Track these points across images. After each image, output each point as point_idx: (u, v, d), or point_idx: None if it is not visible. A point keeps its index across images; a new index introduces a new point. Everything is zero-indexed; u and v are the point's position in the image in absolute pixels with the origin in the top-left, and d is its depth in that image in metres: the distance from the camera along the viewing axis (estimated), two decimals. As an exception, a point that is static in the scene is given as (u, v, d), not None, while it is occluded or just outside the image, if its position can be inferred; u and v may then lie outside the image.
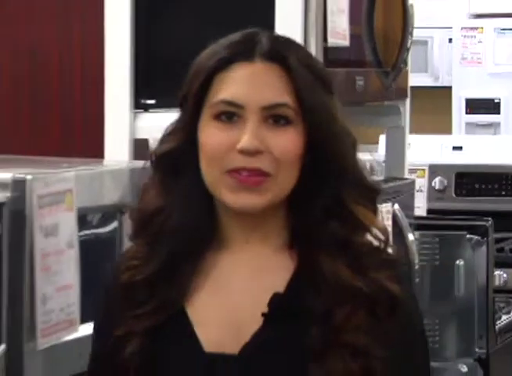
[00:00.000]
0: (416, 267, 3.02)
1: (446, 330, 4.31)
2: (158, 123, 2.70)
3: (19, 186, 2.22)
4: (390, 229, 3.04)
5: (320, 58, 2.86)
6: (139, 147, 3.20)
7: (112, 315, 1.69)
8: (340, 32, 3.06)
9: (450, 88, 7.01)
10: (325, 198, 1.63)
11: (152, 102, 3.17)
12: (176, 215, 1.66)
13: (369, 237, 1.67)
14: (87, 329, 2.19)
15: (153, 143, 2.15)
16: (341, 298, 1.58)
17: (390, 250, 1.71)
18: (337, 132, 1.63)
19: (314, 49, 2.94)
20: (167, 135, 1.70)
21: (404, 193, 3.38)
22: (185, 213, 1.66)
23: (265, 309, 1.60)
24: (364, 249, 1.63)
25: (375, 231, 1.66)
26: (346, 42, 3.06)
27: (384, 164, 3.70)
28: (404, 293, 1.64)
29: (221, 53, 1.63)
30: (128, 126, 3.16)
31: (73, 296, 2.34)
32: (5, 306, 2.25)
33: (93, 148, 3.18)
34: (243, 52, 1.62)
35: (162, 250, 1.66)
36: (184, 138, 1.65)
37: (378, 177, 3.68)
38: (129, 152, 3.16)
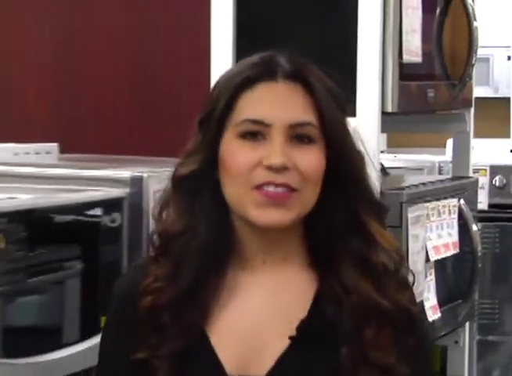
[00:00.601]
0: (479, 254, 2.95)
1: (505, 309, 4.43)
2: None
3: (136, 182, 2.25)
4: (455, 221, 3.02)
5: (396, 73, 2.83)
6: None
7: (129, 338, 1.58)
8: (413, 50, 2.97)
9: (508, 98, 7.00)
10: (344, 214, 1.57)
11: None
12: (199, 235, 1.57)
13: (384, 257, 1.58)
14: None
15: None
16: (368, 317, 1.52)
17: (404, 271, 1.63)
18: (352, 150, 1.58)
19: (391, 65, 2.86)
20: (186, 158, 1.59)
21: (468, 190, 3.32)
22: (208, 233, 1.57)
23: (289, 331, 1.53)
24: (382, 268, 1.56)
25: (391, 251, 1.58)
26: (419, 59, 2.99)
27: (451, 165, 3.66)
28: (420, 313, 1.63)
29: (244, 73, 1.56)
30: None
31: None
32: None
33: None
34: (266, 73, 1.55)
35: (186, 271, 1.57)
36: (205, 159, 1.57)
37: (446, 176, 3.76)
38: None
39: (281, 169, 1.49)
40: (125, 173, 2.31)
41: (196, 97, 3.08)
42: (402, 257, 1.62)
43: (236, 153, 1.52)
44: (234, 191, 1.53)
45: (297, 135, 1.52)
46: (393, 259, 1.57)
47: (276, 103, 1.53)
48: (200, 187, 1.58)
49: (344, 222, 1.56)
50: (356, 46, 2.87)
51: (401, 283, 1.59)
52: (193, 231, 1.56)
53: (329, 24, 2.95)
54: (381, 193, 1.83)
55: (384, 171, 3.03)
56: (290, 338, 1.51)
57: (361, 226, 1.56)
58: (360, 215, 1.56)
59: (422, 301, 2.55)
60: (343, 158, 1.55)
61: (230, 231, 1.59)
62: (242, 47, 2.95)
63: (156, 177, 2.32)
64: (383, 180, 2.74)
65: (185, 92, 3.57)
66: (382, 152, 3.72)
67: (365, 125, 2.78)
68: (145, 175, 2.31)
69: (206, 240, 1.56)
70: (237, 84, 1.54)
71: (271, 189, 1.50)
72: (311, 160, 1.52)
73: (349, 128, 1.59)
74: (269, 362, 1.53)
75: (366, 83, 2.90)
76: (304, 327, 1.52)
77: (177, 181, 1.59)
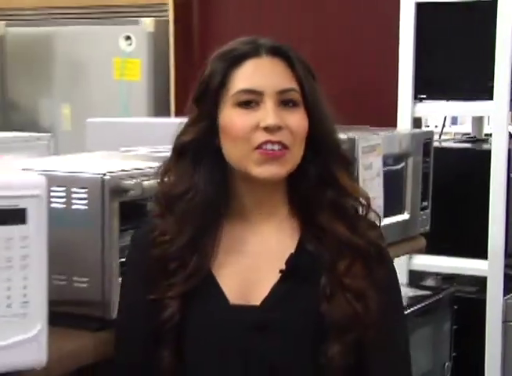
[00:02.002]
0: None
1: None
2: (427, 109, 3.57)
3: (351, 142, 2.38)
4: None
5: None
6: (416, 122, 3.58)
7: (144, 281, 1.63)
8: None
9: None
10: (319, 169, 1.60)
11: (423, 96, 3.51)
12: (200, 194, 1.59)
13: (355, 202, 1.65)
14: (387, 220, 2.57)
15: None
16: (342, 252, 1.57)
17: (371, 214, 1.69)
18: (325, 112, 1.60)
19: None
20: (188, 127, 1.63)
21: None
22: (208, 192, 1.60)
23: (279, 267, 1.58)
24: (353, 212, 1.62)
25: (359, 198, 1.64)
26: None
27: None
28: (387, 249, 1.67)
29: (232, 53, 1.60)
30: (410, 110, 3.50)
31: (380, 202, 2.52)
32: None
33: (390, 123, 3.40)
34: (251, 51, 1.58)
35: (190, 225, 1.59)
36: (203, 128, 1.60)
37: None
38: (410, 125, 3.47)
39: (276, 129, 1.54)
40: (343, 135, 1.97)
41: (382, 91, 3.77)
42: (369, 203, 1.66)
43: (235, 120, 1.56)
44: (237, 152, 1.57)
45: (284, 101, 1.57)
46: (362, 204, 1.64)
47: (264, 74, 1.57)
48: (200, 153, 1.61)
49: (319, 176, 1.60)
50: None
51: (370, 223, 1.64)
52: (195, 191, 1.60)
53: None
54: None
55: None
56: (281, 271, 1.58)
57: (333, 179, 1.60)
58: (332, 170, 1.60)
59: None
60: (318, 119, 1.59)
61: (228, 189, 1.63)
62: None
63: (363, 138, 2.47)
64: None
65: (379, 85, 3.91)
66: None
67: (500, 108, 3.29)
68: (356, 136, 2.43)
69: (207, 198, 1.60)
70: (228, 63, 1.59)
71: (269, 147, 1.55)
72: (298, 120, 1.57)
73: (321, 93, 1.63)
74: (264, 292, 1.58)
75: (502, 72, 3.28)
76: (291, 262, 1.58)
77: (179, 148, 1.63)
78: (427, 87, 3.51)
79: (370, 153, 2.50)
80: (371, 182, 2.49)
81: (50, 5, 4.66)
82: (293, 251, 1.61)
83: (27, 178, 1.56)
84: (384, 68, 3.78)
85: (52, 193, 1.72)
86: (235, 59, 1.59)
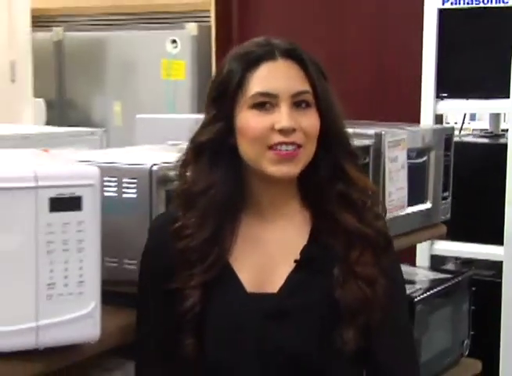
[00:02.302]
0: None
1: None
2: (448, 107, 3.56)
3: (378, 136, 2.40)
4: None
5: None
6: (438, 119, 3.59)
7: (164, 272, 1.60)
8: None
9: None
10: (329, 164, 1.57)
11: (445, 95, 3.53)
12: (219, 192, 1.56)
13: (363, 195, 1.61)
14: (411, 209, 2.59)
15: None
16: (353, 243, 1.54)
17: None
18: (337, 112, 1.57)
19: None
20: (204, 128, 1.59)
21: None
22: (226, 190, 1.57)
23: (294, 257, 1.56)
24: (361, 204, 1.58)
25: (367, 191, 1.62)
26: None
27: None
28: (391, 236, 1.64)
29: (246, 58, 1.55)
30: (432, 107, 3.51)
31: (405, 192, 2.50)
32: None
33: (414, 119, 3.40)
34: (266, 54, 1.54)
35: (210, 221, 1.56)
36: (220, 129, 1.56)
37: None
38: (432, 122, 3.49)
39: (290, 131, 1.50)
40: (371, 130, 2.40)
41: (407, 90, 3.80)
42: (377, 195, 1.65)
43: (251, 122, 1.52)
44: (252, 152, 1.53)
45: (297, 102, 1.53)
46: (369, 197, 1.60)
47: (279, 78, 1.52)
48: (217, 152, 1.57)
49: (329, 170, 1.56)
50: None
51: (376, 214, 1.60)
52: (214, 189, 1.56)
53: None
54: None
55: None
56: (295, 261, 1.55)
57: (343, 173, 1.57)
58: (342, 164, 1.57)
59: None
60: (330, 118, 1.55)
61: (244, 186, 1.59)
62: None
63: (389, 133, 2.43)
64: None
65: (403, 84, 3.98)
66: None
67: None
68: (383, 132, 2.41)
69: (225, 196, 1.56)
70: (244, 65, 1.53)
71: (283, 148, 1.51)
72: (311, 120, 1.53)
73: (333, 93, 1.59)
74: (280, 281, 1.55)
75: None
76: (305, 252, 1.56)
77: (197, 147, 1.59)
78: (448, 86, 3.52)
79: (396, 147, 2.46)
80: (396, 173, 2.46)
81: (103, 12, 4.74)
82: (305, 242, 1.59)
83: (82, 169, 1.56)
84: (408, 69, 3.80)
85: (104, 183, 1.72)
86: (251, 62, 1.55)
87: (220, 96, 1.57)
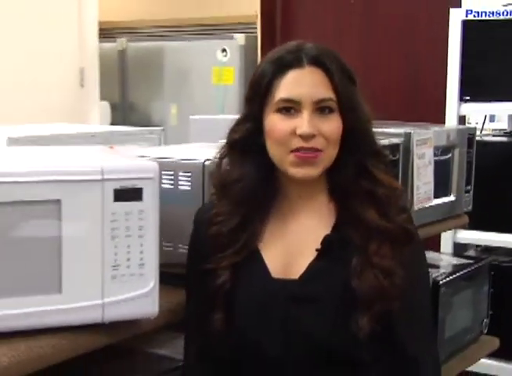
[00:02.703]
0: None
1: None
2: (470, 109, 3.53)
3: (407, 135, 2.36)
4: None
5: None
6: (461, 120, 3.54)
7: (201, 254, 1.60)
8: None
9: None
10: (355, 163, 1.52)
11: (468, 98, 3.49)
12: (248, 184, 1.55)
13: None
14: (436, 201, 2.55)
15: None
16: (371, 235, 1.49)
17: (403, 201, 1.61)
18: (361, 115, 1.52)
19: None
20: (237, 126, 1.57)
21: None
22: (255, 183, 1.55)
23: (316, 246, 1.52)
24: (385, 199, 1.52)
25: (391, 187, 1.55)
26: None
27: None
28: (415, 230, 1.57)
29: (277, 63, 1.51)
30: (456, 109, 3.48)
31: (431, 186, 2.46)
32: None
33: (439, 120, 3.37)
34: (294, 61, 1.49)
35: (239, 210, 1.55)
36: (251, 128, 1.54)
37: None
38: (456, 122, 3.45)
39: (310, 136, 1.46)
40: (401, 130, 2.36)
41: (433, 93, 3.77)
42: (401, 191, 1.58)
43: (275, 125, 1.49)
44: (276, 153, 1.51)
45: (320, 108, 1.48)
46: (393, 192, 1.54)
47: (303, 85, 1.48)
48: (248, 149, 1.55)
49: (355, 169, 1.52)
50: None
51: (400, 209, 1.54)
52: (244, 181, 1.54)
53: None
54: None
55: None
56: (317, 250, 1.51)
57: (367, 172, 1.52)
58: (366, 164, 1.52)
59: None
60: (354, 122, 1.50)
61: (273, 180, 1.57)
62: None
63: (417, 132, 2.39)
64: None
65: (430, 88, 3.96)
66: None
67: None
68: (411, 131, 2.37)
69: (254, 188, 1.55)
70: (274, 70, 1.50)
71: (302, 152, 1.47)
72: (332, 126, 1.48)
73: (359, 97, 1.53)
74: (302, 268, 1.52)
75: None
76: (326, 242, 1.51)
77: (231, 143, 1.57)
78: (470, 90, 3.51)
79: (423, 145, 2.44)
80: (424, 169, 2.44)
81: (162, 25, 4.77)
82: (328, 232, 1.55)
83: (143, 164, 1.57)
84: (435, 75, 3.77)
85: (162, 176, 1.72)
86: (280, 68, 1.50)
87: (252, 97, 1.55)
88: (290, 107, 1.49)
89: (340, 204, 1.56)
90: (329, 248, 1.51)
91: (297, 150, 1.48)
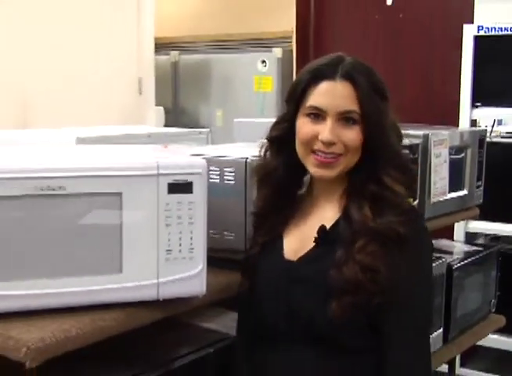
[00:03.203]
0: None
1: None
2: (481, 113, 3.52)
3: (425, 137, 2.31)
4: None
5: None
6: (473, 123, 3.52)
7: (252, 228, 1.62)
8: None
9: None
10: (368, 170, 1.47)
11: (479, 104, 3.54)
12: (281, 174, 1.54)
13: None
14: (450, 195, 2.48)
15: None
16: (360, 233, 1.42)
17: (409, 205, 1.52)
18: (385, 129, 1.45)
19: None
20: (276, 125, 1.56)
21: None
22: (286, 174, 1.54)
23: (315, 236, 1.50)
24: (385, 202, 1.44)
25: (398, 193, 1.46)
26: None
27: None
28: (413, 234, 1.43)
29: (314, 73, 1.47)
30: (468, 114, 3.53)
31: (446, 181, 2.40)
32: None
33: (454, 123, 3.42)
34: (328, 73, 1.45)
35: (275, 195, 1.56)
36: (286, 128, 1.52)
37: None
38: (469, 125, 3.47)
39: (329, 144, 1.44)
40: (420, 132, 2.31)
41: (448, 100, 3.71)
42: (403, 196, 1.49)
43: (302, 127, 1.47)
44: (301, 152, 1.49)
45: (345, 118, 1.44)
46: (395, 197, 1.46)
47: (332, 96, 1.44)
48: (284, 145, 1.53)
49: (367, 174, 1.47)
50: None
51: (401, 212, 1.44)
52: (277, 172, 1.54)
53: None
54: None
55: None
56: (315, 239, 1.49)
57: (377, 177, 1.46)
58: (379, 171, 1.45)
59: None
60: (375, 133, 1.44)
61: (304, 174, 1.55)
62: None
63: (435, 133, 2.36)
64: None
65: (446, 95, 3.88)
66: None
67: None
68: (429, 133, 2.33)
69: (285, 178, 1.54)
70: (309, 80, 1.47)
71: (322, 155, 1.45)
72: (352, 136, 1.44)
73: (388, 112, 1.47)
74: (303, 253, 1.51)
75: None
76: (322, 234, 1.49)
77: (270, 139, 1.56)
78: (481, 97, 3.53)
79: (439, 145, 2.40)
80: (440, 166, 2.40)
81: (209, 40, 4.75)
82: (330, 225, 1.49)
83: (193, 160, 1.56)
84: (450, 84, 3.75)
85: (210, 172, 1.71)
86: (315, 78, 1.47)
87: (289, 101, 1.52)
88: (317, 114, 1.46)
89: (348, 201, 1.51)
90: (323, 239, 1.48)
91: (318, 152, 1.46)
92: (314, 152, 1.46)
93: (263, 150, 1.57)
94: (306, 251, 1.50)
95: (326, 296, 1.41)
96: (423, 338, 1.47)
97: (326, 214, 1.52)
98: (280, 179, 1.54)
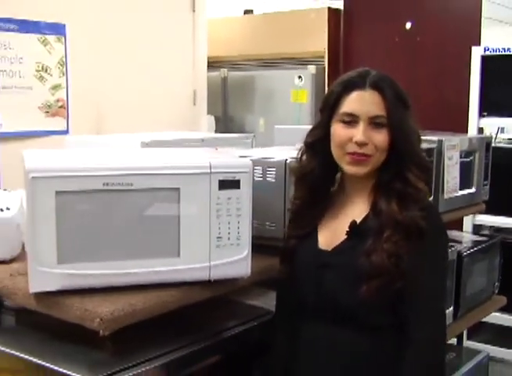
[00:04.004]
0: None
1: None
2: (487, 122, 3.34)
3: (440, 142, 2.23)
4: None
5: None
6: (480, 130, 3.48)
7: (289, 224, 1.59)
8: None
9: None
10: (394, 169, 1.43)
11: (485, 114, 3.49)
12: (316, 175, 1.50)
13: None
14: (461, 192, 2.41)
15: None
16: (387, 225, 1.39)
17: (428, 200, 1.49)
18: (407, 132, 1.42)
19: None
20: (312, 131, 1.52)
21: None
22: (321, 174, 1.51)
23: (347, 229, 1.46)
24: (409, 198, 1.41)
25: (420, 190, 1.43)
26: None
27: None
28: (432, 227, 1.40)
29: (345, 84, 1.44)
30: (476, 123, 3.47)
31: (457, 180, 2.37)
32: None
33: (463, 130, 3.39)
34: (358, 84, 1.43)
35: (311, 194, 1.52)
36: (321, 133, 1.48)
37: None
38: (476, 132, 3.39)
39: (363, 144, 1.41)
40: (435, 137, 2.25)
41: (459, 110, 3.62)
42: (425, 193, 1.45)
43: (338, 132, 1.44)
44: (336, 154, 1.46)
45: (375, 122, 1.42)
46: (418, 193, 1.43)
47: (362, 103, 1.42)
48: (318, 149, 1.49)
49: (392, 173, 1.43)
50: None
51: (422, 207, 1.41)
52: (315, 172, 1.50)
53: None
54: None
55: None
56: (346, 232, 1.45)
57: (402, 175, 1.42)
58: (404, 169, 1.42)
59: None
60: (400, 137, 1.41)
61: (335, 172, 1.52)
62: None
63: (448, 139, 2.29)
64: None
65: (456, 106, 3.77)
66: None
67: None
68: (443, 138, 2.26)
69: (320, 178, 1.51)
70: (342, 89, 1.44)
71: (356, 155, 1.43)
72: (381, 137, 1.42)
73: (409, 118, 1.43)
74: (336, 244, 1.47)
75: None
76: (353, 227, 1.45)
77: (306, 144, 1.52)
78: (488, 108, 3.48)
79: (452, 149, 2.35)
80: (452, 168, 2.35)
81: (253, 58, 4.68)
82: (360, 220, 1.45)
83: (240, 161, 1.55)
84: (460, 96, 3.69)
85: (254, 171, 1.69)
86: (347, 88, 1.44)
87: (323, 109, 1.49)
88: (350, 120, 1.43)
89: (375, 197, 1.47)
90: (354, 231, 1.44)
91: (352, 153, 1.43)
92: (349, 153, 1.43)
93: (299, 154, 1.53)
94: (338, 243, 1.46)
95: (354, 281, 1.38)
96: (440, 316, 1.43)
97: (357, 208, 1.48)
98: (315, 179, 1.50)
